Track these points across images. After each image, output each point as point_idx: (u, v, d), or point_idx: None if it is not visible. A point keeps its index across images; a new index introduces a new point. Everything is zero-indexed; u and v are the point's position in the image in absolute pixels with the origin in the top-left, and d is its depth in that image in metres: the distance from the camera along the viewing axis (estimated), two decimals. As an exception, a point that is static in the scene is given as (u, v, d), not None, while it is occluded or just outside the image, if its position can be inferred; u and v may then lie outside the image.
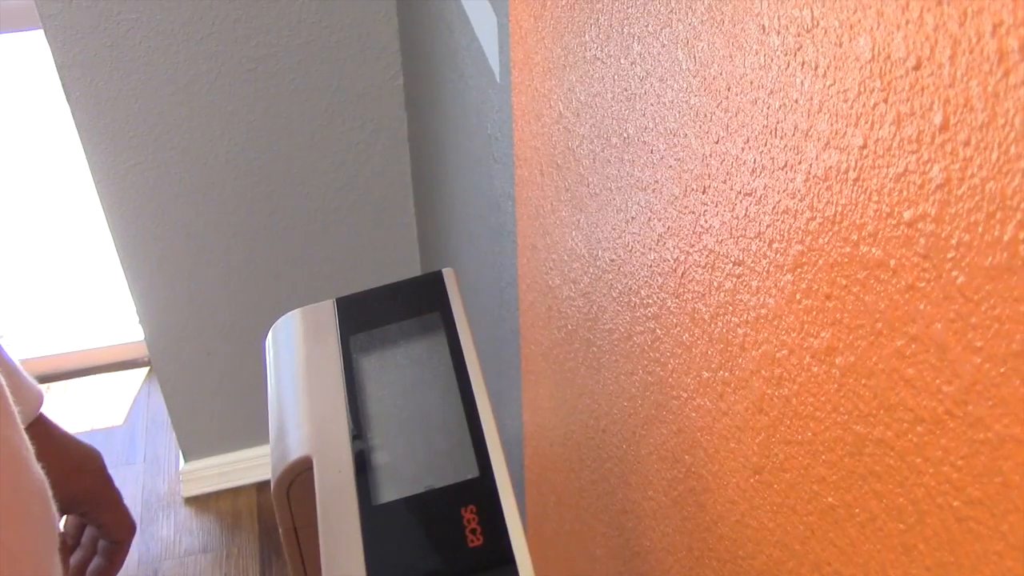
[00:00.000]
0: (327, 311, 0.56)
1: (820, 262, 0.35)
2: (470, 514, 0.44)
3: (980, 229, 0.27)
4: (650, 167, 0.51)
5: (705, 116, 0.43)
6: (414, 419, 0.49)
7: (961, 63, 0.26)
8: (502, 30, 0.78)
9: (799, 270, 0.37)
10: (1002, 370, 0.27)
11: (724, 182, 0.42)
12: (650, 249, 0.54)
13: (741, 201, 0.41)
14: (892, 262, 0.31)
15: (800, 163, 0.36)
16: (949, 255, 0.28)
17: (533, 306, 0.85)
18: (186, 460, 1.81)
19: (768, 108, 0.37)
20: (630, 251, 0.57)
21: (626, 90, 0.53)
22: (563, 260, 0.72)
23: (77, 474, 0.63)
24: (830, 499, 0.37)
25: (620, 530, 0.70)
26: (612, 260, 0.61)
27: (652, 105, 0.50)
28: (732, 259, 0.43)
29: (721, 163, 0.42)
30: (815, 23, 0.33)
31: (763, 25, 0.36)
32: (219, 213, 1.51)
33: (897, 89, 0.30)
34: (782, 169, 0.37)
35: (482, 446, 0.47)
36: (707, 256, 0.46)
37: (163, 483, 1.87)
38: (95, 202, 1.47)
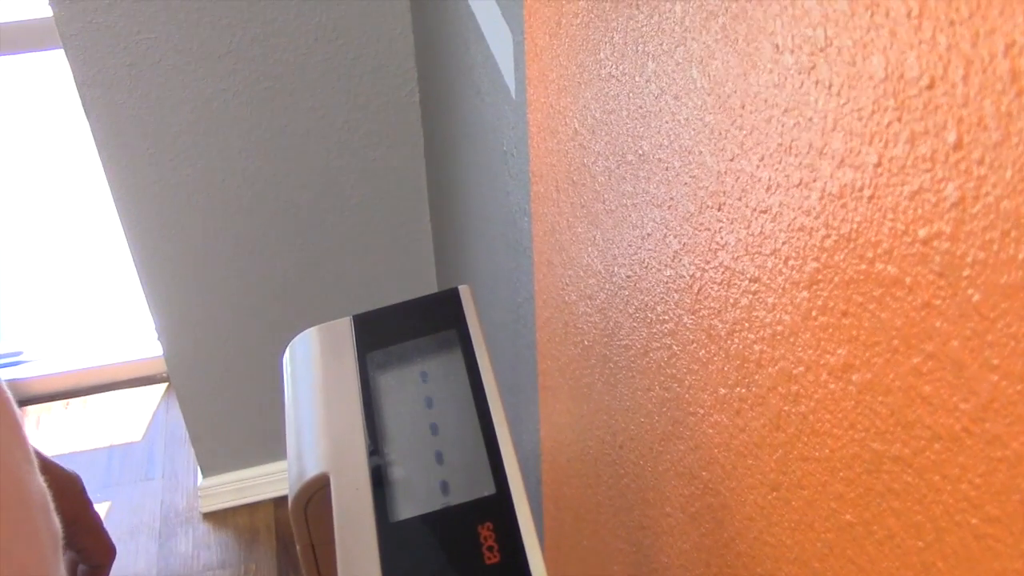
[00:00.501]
0: (344, 328, 0.56)
1: (836, 279, 0.35)
2: (487, 531, 0.45)
3: (995, 247, 0.27)
4: (665, 184, 0.52)
5: (720, 134, 0.44)
6: (430, 436, 0.49)
7: (974, 83, 0.27)
8: (518, 47, 0.78)
9: (815, 287, 0.37)
10: (1019, 388, 0.27)
11: (739, 199, 0.43)
12: (666, 266, 0.54)
13: (756, 218, 0.41)
14: (908, 280, 0.31)
15: (815, 181, 0.36)
16: (964, 273, 0.28)
17: (550, 322, 0.85)
18: (204, 476, 1.82)
19: (783, 126, 0.37)
20: (646, 267, 0.57)
21: (641, 107, 0.53)
22: (579, 276, 0.73)
23: (59, 498, 0.63)
24: (848, 516, 0.37)
25: (637, 547, 0.70)
26: (628, 276, 0.61)
27: (667, 123, 0.50)
28: (748, 276, 0.43)
29: (736, 180, 0.43)
30: (828, 42, 0.33)
31: (777, 44, 0.36)
32: (237, 230, 1.53)
33: (911, 108, 0.30)
34: (797, 187, 0.37)
35: (499, 463, 0.47)
36: (723, 273, 0.46)
37: (182, 499, 1.88)
38: (114, 219, 1.48)
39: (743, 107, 0.41)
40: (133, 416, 2.03)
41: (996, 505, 0.29)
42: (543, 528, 1.06)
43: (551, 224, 0.78)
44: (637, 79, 0.53)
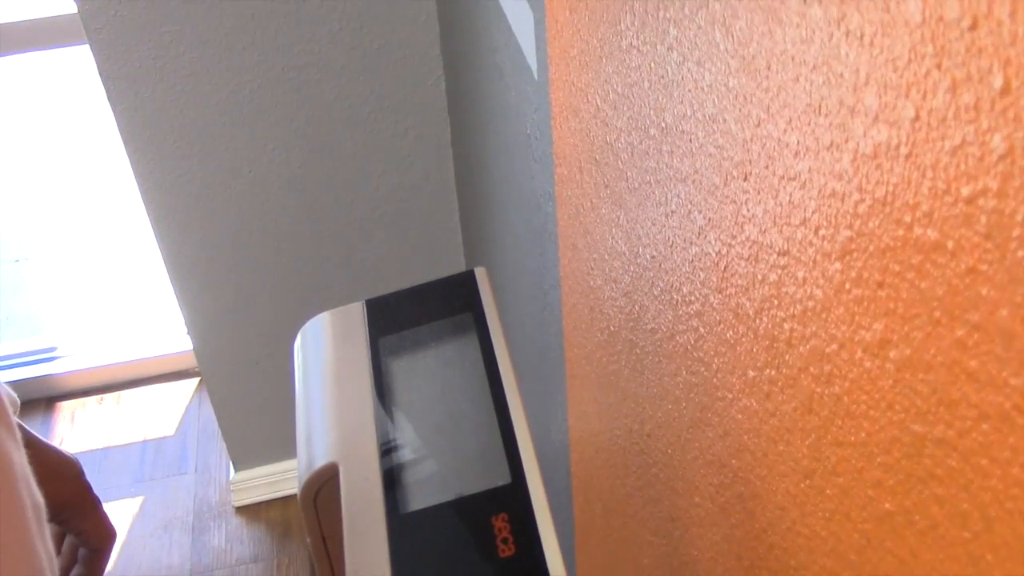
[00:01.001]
0: (356, 313, 0.54)
1: (871, 248, 0.33)
2: (501, 523, 0.42)
3: (1049, 202, 0.24)
4: (689, 156, 0.49)
5: (744, 98, 0.41)
6: (444, 424, 0.47)
7: (1023, 18, 0.24)
8: (539, 26, 0.76)
9: (848, 257, 0.34)
10: (1078, 359, 0.24)
11: (766, 167, 0.40)
12: (691, 243, 0.51)
13: (784, 186, 0.38)
14: (950, 244, 0.28)
15: (847, 141, 0.33)
16: (1014, 233, 0.26)
17: (576, 308, 0.83)
18: (236, 470, 1.82)
19: (811, 84, 0.35)
20: (671, 246, 0.55)
21: (663, 77, 0.51)
22: (604, 259, 0.70)
23: (55, 480, 0.62)
24: (887, 505, 0.34)
25: (667, 538, 0.67)
26: (653, 257, 0.58)
27: (690, 91, 0.47)
28: (776, 249, 0.40)
29: (763, 147, 0.40)
30: (860, -14, 0.30)
31: (803, -6, 0.34)
32: (264, 222, 1.51)
33: (952, 53, 0.27)
34: (827, 149, 0.34)
35: (514, 451, 0.45)
36: (750, 247, 0.43)
37: (214, 493, 1.88)
38: (144, 213, 1.48)
39: (768, 67, 0.38)
40: (166, 411, 2.03)
41: (1052, 491, 0.26)
42: (573, 519, 1.04)
43: (575, 207, 0.76)
44: (659, 47, 0.50)
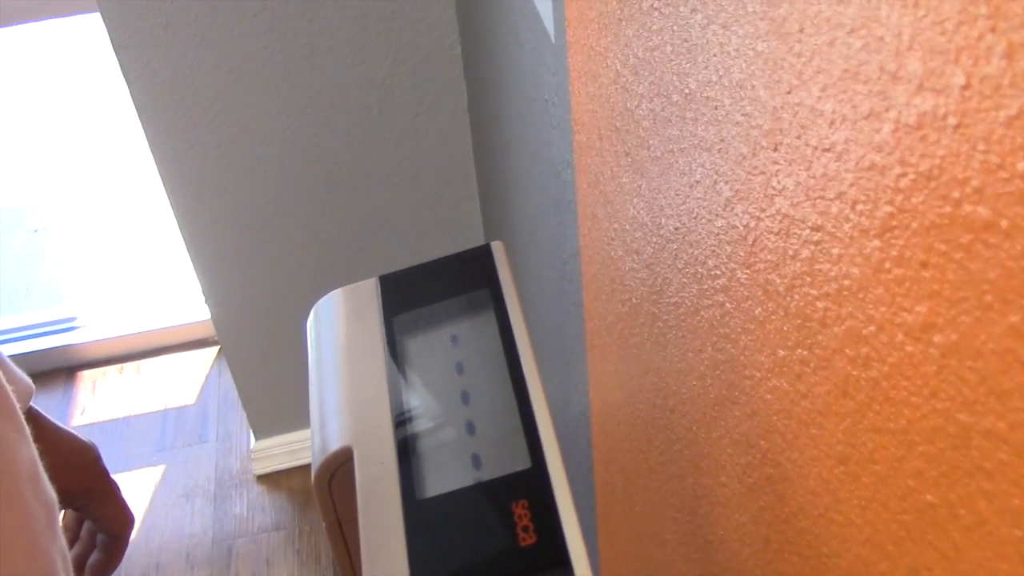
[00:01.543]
0: (370, 290, 0.52)
1: (914, 225, 0.30)
2: (522, 509, 0.41)
3: (1120, 179, 0.22)
4: (715, 125, 0.47)
5: (775, 63, 0.38)
6: (461, 405, 0.46)
7: (1095, -26, 0.21)
8: (555, -13, 0.73)
9: (888, 235, 0.32)
10: None
11: (798, 137, 0.38)
12: (717, 215, 0.49)
13: (819, 158, 0.36)
14: (1004, 223, 0.26)
15: (887, 111, 0.31)
16: (1078, 212, 0.23)
17: (596, 279, 0.81)
18: (257, 438, 1.82)
19: (848, 49, 0.32)
20: (695, 218, 0.53)
21: (686, 41, 0.48)
22: (625, 229, 0.68)
23: (71, 468, 0.61)
24: (929, 497, 0.32)
25: (692, 516, 0.66)
26: (676, 228, 0.56)
27: (715, 56, 0.45)
28: (809, 224, 0.38)
29: (794, 116, 0.38)
30: (905, -58, 0.28)
31: (842, -49, 0.31)
32: (280, 190, 1.50)
33: (1008, 14, 0.25)
34: (866, 119, 0.32)
35: (534, 434, 0.43)
36: (781, 221, 0.41)
37: (236, 461, 1.88)
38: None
39: (801, 30, 0.36)
40: (186, 380, 2.03)
41: (1115, 491, 0.24)
42: (594, 490, 1.02)
43: (595, 175, 0.74)
44: (682, 9, 0.48)
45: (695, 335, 0.57)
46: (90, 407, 1.99)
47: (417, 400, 0.46)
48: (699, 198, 0.51)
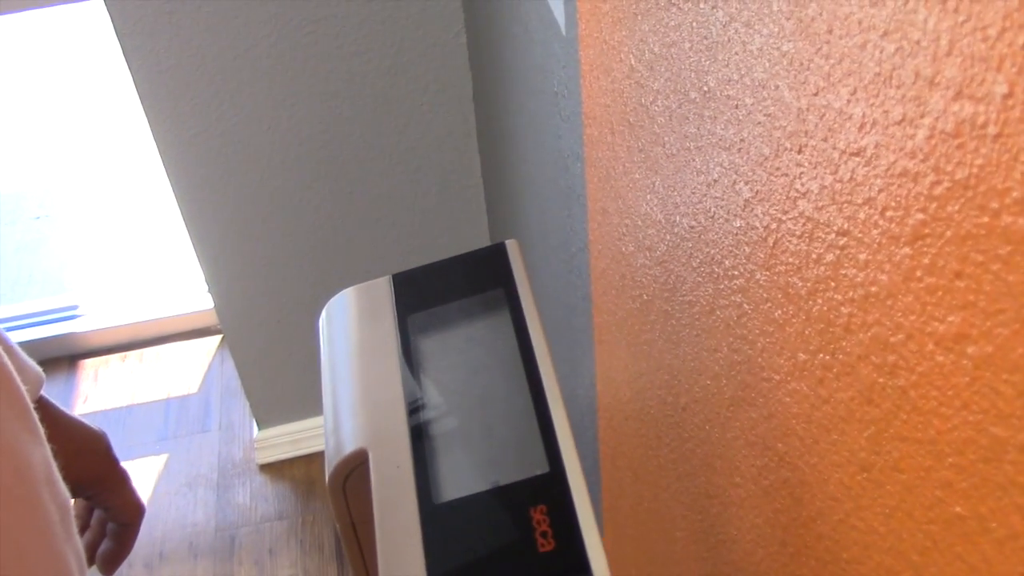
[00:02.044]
0: (383, 289, 0.52)
1: (948, 234, 0.30)
2: (540, 515, 0.40)
3: None
4: (735, 124, 0.46)
5: (801, 64, 0.38)
6: (477, 407, 0.45)
7: None
8: (567, -21, 0.72)
9: (920, 243, 0.32)
10: None
11: (825, 140, 0.37)
12: (735, 216, 0.48)
13: (846, 162, 0.35)
14: (1045, 235, 0.26)
15: (922, 117, 0.30)
16: None
17: (605, 273, 0.80)
18: (260, 428, 1.82)
19: (881, 53, 0.32)
20: (712, 217, 0.52)
21: (706, 38, 0.48)
22: (637, 226, 0.67)
23: (81, 456, 0.61)
24: (958, 509, 0.32)
25: (703, 515, 0.65)
26: (691, 227, 0.56)
27: (737, 54, 0.44)
28: (835, 229, 0.37)
29: (821, 118, 0.37)
30: (945, -54, 0.27)
31: (876, -47, 0.31)
32: (283, 179, 1.49)
33: (1054, 22, 0.24)
34: (898, 124, 0.32)
35: (552, 438, 0.43)
36: (804, 224, 0.40)
37: (238, 450, 1.88)
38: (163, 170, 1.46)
39: (830, 32, 0.35)
40: (189, 368, 2.03)
41: None
42: (600, 486, 1.02)
43: (606, 170, 0.73)
44: (701, 5, 0.47)
45: (710, 335, 0.56)
46: (92, 396, 1.99)
47: (432, 402, 0.46)
48: (716, 197, 0.50)
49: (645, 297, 0.69)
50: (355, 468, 0.45)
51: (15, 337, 2.02)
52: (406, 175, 1.53)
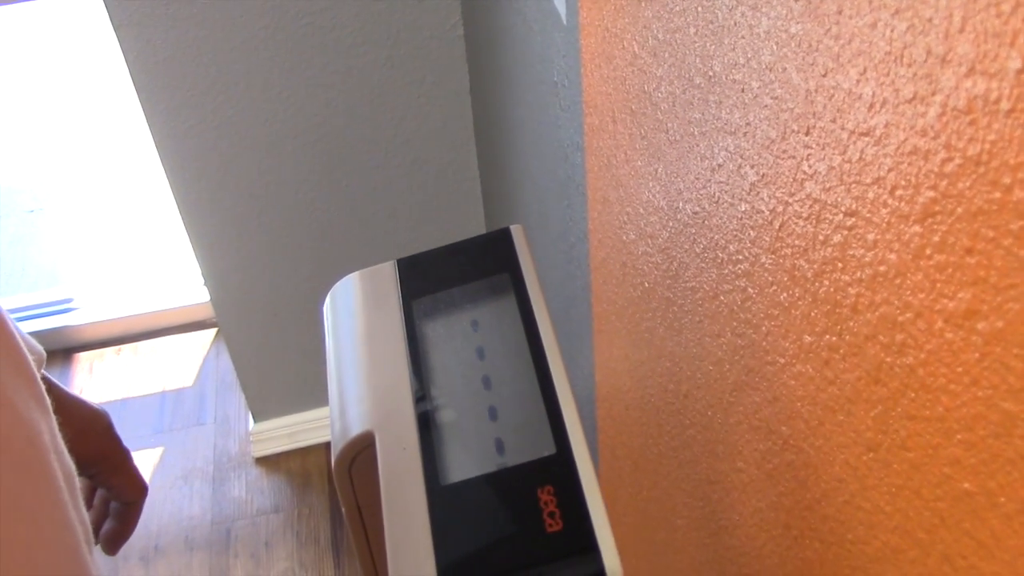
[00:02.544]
0: (387, 273, 0.52)
1: (959, 211, 0.30)
2: (547, 496, 0.40)
3: None
4: (740, 108, 0.46)
5: (809, 46, 0.38)
6: (482, 390, 0.45)
7: None
8: (568, -33, 0.72)
9: (929, 220, 0.32)
10: None
11: (833, 121, 0.37)
12: (740, 200, 0.48)
13: (855, 142, 0.36)
14: (1058, 209, 0.26)
15: (934, 95, 0.30)
16: None
17: (605, 263, 0.81)
18: (255, 421, 1.82)
19: (892, 31, 0.32)
20: (716, 202, 0.52)
21: (711, 23, 0.48)
22: (639, 214, 0.67)
23: (84, 435, 0.61)
24: (966, 485, 0.32)
25: (705, 501, 0.65)
26: (695, 213, 0.56)
27: (743, 38, 0.44)
28: (843, 209, 0.37)
29: (829, 99, 0.37)
30: (959, -78, 0.27)
31: (888, -69, 0.31)
32: (279, 172, 1.49)
33: (1069, -4, 0.24)
34: (909, 102, 0.32)
35: (559, 419, 0.43)
36: (811, 206, 0.40)
37: (234, 443, 1.88)
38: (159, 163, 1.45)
39: (839, 12, 0.35)
40: (184, 362, 2.03)
41: None
42: (599, 474, 1.02)
43: (607, 158, 0.73)
44: (708, -10, 0.47)
45: (713, 320, 0.56)
46: (87, 389, 1.98)
47: (438, 385, 0.46)
48: (721, 182, 0.51)
49: (646, 285, 0.69)
50: (361, 451, 0.46)
51: (9, 330, 2.01)
52: (403, 168, 1.53)
